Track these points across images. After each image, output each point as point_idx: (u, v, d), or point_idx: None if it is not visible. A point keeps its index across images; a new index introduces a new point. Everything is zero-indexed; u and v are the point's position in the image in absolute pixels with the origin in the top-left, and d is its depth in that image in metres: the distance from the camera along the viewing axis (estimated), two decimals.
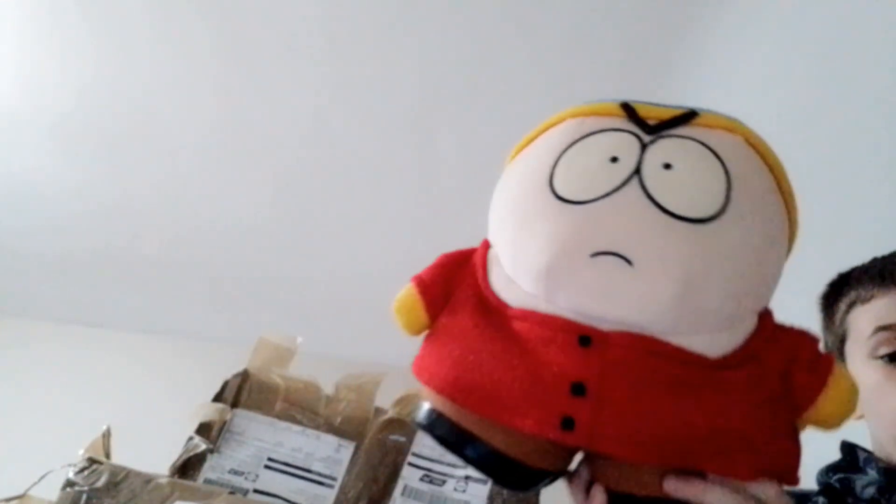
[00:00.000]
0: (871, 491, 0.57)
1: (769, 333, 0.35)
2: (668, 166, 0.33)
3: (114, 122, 1.76)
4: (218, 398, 0.65)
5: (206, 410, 0.63)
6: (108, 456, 0.60)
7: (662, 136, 0.35)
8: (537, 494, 0.60)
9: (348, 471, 0.62)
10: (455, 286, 0.40)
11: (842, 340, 0.63)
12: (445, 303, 0.40)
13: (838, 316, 0.64)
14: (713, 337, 0.33)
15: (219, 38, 1.51)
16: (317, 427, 0.64)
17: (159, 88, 1.65)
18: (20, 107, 1.75)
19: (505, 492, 0.60)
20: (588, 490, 0.37)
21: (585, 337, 0.33)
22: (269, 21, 1.44)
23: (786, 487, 0.34)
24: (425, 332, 0.40)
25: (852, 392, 0.34)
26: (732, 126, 0.36)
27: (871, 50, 0.91)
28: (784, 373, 0.34)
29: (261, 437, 0.63)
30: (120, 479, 0.56)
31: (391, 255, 2.07)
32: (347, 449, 0.63)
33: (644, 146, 0.35)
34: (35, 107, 1.75)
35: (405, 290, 0.40)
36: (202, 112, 1.70)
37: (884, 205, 0.90)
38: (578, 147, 0.36)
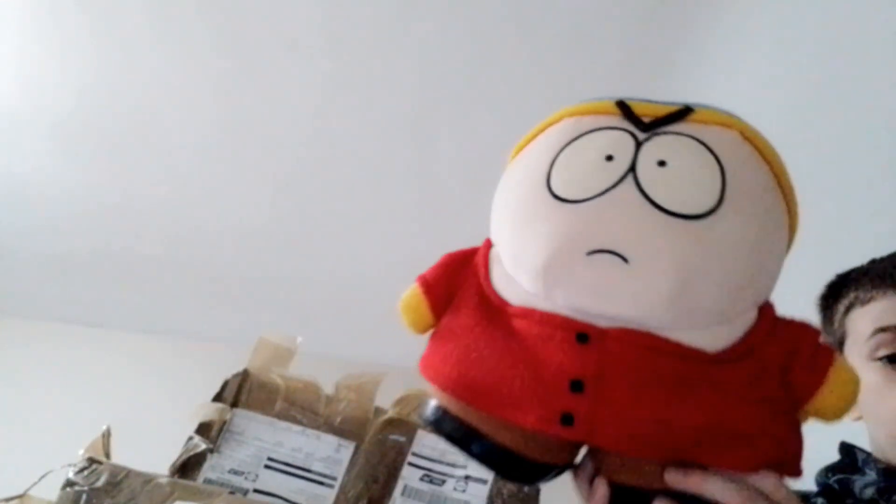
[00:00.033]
0: (869, 492, 0.57)
1: (769, 327, 0.35)
2: (662, 163, 0.34)
3: (114, 122, 1.76)
4: (218, 398, 0.65)
5: (206, 410, 0.63)
6: (107, 456, 0.60)
7: (657, 134, 0.35)
8: (537, 494, 0.60)
9: (348, 471, 0.62)
10: (458, 285, 0.40)
11: (840, 342, 0.63)
12: (449, 301, 0.40)
13: (837, 317, 0.64)
14: (711, 331, 0.34)
15: (219, 38, 1.51)
16: (317, 427, 0.64)
17: (159, 88, 1.65)
18: (20, 107, 1.75)
19: (505, 492, 0.60)
20: (592, 483, 0.38)
21: (583, 334, 0.34)
22: (269, 21, 1.44)
23: (789, 480, 0.34)
24: (430, 331, 0.41)
25: (853, 384, 0.34)
26: (728, 121, 0.36)
27: (870, 50, 0.91)
28: (784, 365, 0.34)
29: (261, 436, 0.63)
30: (120, 479, 0.56)
31: (391, 255, 2.07)
32: (347, 449, 0.63)
33: (639, 144, 0.35)
34: (35, 107, 1.75)
35: (410, 290, 0.41)
36: (202, 112, 1.70)
37: (884, 205, 0.90)
38: (574, 146, 0.36)
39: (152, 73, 1.61)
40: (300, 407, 0.65)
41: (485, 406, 0.36)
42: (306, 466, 0.62)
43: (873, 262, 0.64)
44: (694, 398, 0.33)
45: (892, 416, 0.56)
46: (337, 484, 0.61)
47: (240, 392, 0.65)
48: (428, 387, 0.39)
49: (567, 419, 0.33)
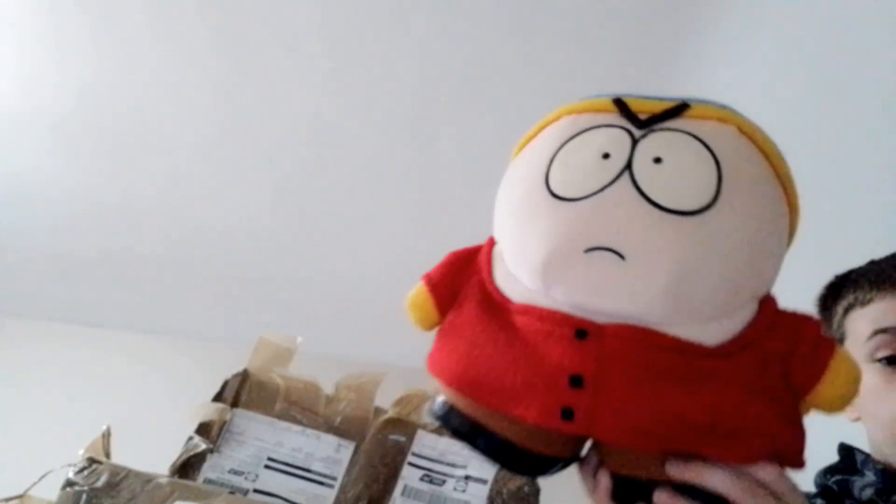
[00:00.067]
0: (868, 493, 0.57)
1: (770, 320, 0.35)
2: (658, 160, 0.34)
3: (114, 122, 1.76)
4: (218, 398, 0.65)
5: (206, 410, 0.63)
6: (107, 456, 0.60)
7: (653, 130, 0.35)
8: (537, 494, 0.61)
9: (348, 471, 0.62)
10: (462, 283, 0.41)
11: (839, 343, 0.63)
12: (454, 299, 0.41)
13: (836, 319, 0.64)
14: (710, 326, 0.34)
15: (219, 38, 1.51)
16: (317, 427, 0.64)
17: (159, 88, 1.65)
18: (20, 107, 1.75)
19: (505, 492, 0.60)
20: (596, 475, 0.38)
21: (582, 330, 0.34)
22: (269, 21, 1.44)
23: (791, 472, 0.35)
24: (437, 329, 0.42)
25: (853, 375, 0.34)
26: (725, 116, 0.36)
27: (871, 49, 0.91)
28: (785, 358, 0.34)
29: (261, 436, 0.63)
30: (120, 479, 0.56)
31: (391, 255, 2.07)
32: (347, 449, 0.63)
33: (635, 141, 0.35)
34: (35, 107, 1.75)
35: (416, 289, 0.42)
36: (202, 112, 1.70)
37: (884, 205, 0.90)
38: (572, 145, 0.37)
39: (152, 73, 1.61)
40: (300, 407, 0.65)
41: (488, 401, 0.36)
42: (306, 466, 0.62)
43: (872, 263, 0.64)
44: (693, 392, 0.33)
45: (891, 417, 0.56)
46: (337, 484, 0.61)
47: (240, 392, 0.66)
48: (435, 383, 0.40)
49: (567, 414, 0.34)
